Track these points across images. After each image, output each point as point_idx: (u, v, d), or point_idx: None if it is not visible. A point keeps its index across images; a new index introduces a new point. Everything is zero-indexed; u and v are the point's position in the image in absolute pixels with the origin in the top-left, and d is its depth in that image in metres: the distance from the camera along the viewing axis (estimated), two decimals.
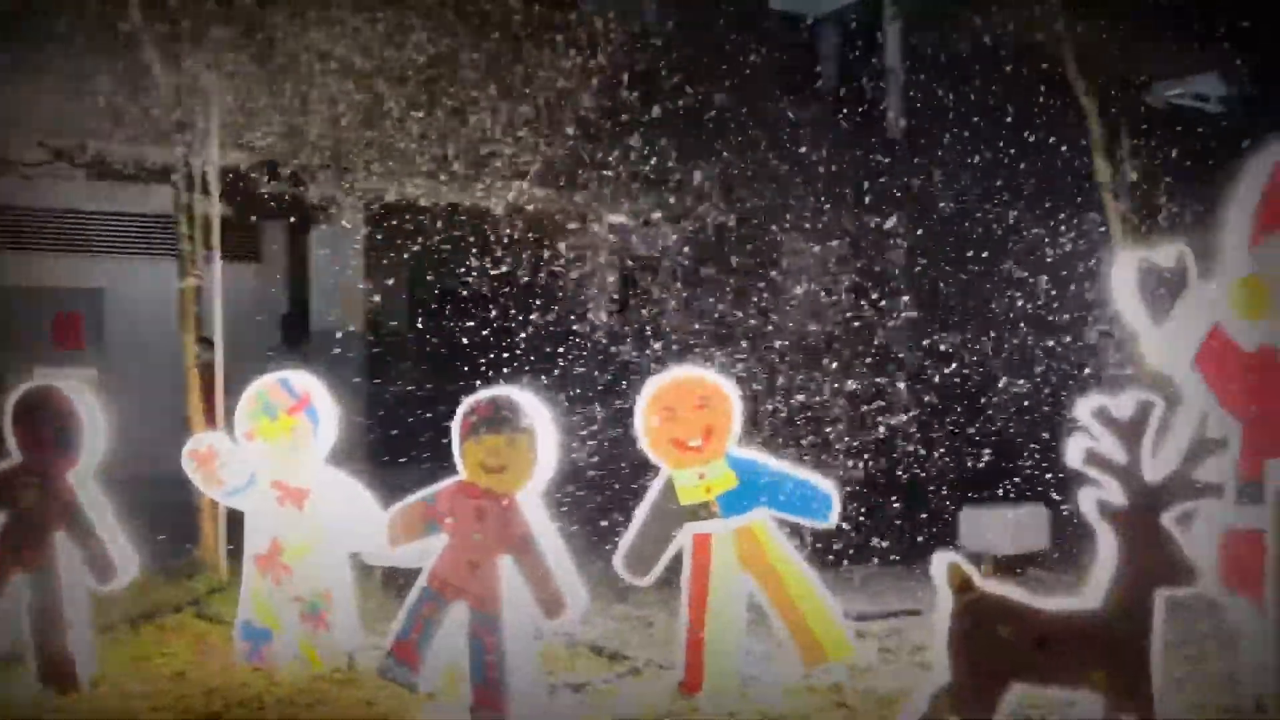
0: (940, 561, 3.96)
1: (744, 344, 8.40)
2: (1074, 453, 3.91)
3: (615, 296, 9.60)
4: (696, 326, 8.68)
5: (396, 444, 8.20)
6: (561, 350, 8.75)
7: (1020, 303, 8.65)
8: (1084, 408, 3.92)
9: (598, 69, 8.47)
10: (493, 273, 8.87)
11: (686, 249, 9.00)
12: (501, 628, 4.84)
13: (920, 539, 7.50)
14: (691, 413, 5.26)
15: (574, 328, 8.98)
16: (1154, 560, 3.87)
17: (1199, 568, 3.89)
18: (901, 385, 8.67)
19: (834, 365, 8.56)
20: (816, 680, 5.23)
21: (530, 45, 8.48)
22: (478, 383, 5.19)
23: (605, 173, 9.03)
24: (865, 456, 8.19)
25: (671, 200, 9.06)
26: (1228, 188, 4.91)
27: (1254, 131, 5.14)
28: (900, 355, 8.92)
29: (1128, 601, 3.87)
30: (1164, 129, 8.93)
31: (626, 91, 8.74)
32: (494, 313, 8.90)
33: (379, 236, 10.10)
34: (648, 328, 8.76)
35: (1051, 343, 8.32)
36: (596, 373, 7.87)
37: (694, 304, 8.89)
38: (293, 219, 10.52)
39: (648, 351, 8.22)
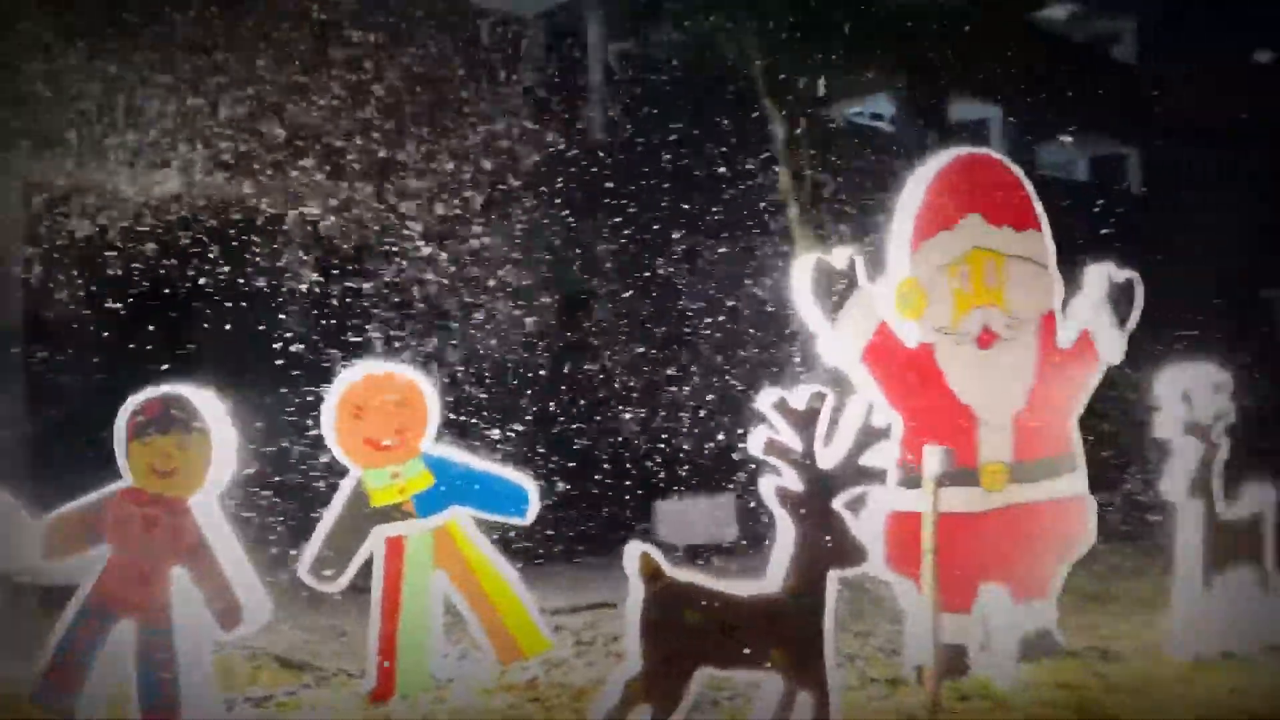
0: (632, 552, 4.01)
1: (441, 340, 8.25)
2: (756, 443, 4.08)
3: (304, 289, 9.16)
4: (393, 321, 8.44)
5: (53, 447, 7.43)
6: (243, 345, 8.25)
7: (710, 303, 9.02)
8: (764, 400, 4.09)
9: (282, 55, 8.06)
10: (167, 264, 8.23)
11: (386, 243, 8.74)
12: (174, 644, 4.47)
13: (618, 532, 7.64)
14: (385, 411, 5.08)
15: (259, 322, 8.50)
16: (827, 543, 4.10)
17: (867, 549, 4.17)
18: (598, 383, 8.82)
19: (533, 363, 8.58)
20: (512, 677, 5.19)
21: (202, 30, 7.94)
22: (147, 381, 4.75)
23: (300, 164, 8.61)
24: (563, 453, 8.25)
25: (369, 192, 8.76)
26: (894, 197, 5.33)
27: (921, 147, 5.60)
28: (598, 352, 9.07)
29: (803, 583, 4.08)
30: (842, 143, 9.59)
31: (310, 79, 8.36)
32: (167, 306, 8.26)
33: (45, 225, 9.13)
34: (340, 322, 8.43)
35: (740, 340, 8.72)
36: (281, 369, 7.46)
37: (391, 298, 8.64)
38: None
39: (336, 349, 7.89)
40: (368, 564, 5.07)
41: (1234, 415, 5.64)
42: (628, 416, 8.80)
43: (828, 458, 4.12)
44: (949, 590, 4.89)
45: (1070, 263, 5.67)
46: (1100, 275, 5.66)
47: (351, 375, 5.11)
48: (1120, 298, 5.66)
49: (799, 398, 4.09)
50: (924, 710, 4.72)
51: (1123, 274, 5.70)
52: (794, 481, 4.10)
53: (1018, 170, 5.47)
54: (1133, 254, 5.81)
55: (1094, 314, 5.59)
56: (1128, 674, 5.30)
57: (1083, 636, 5.90)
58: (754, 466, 4.22)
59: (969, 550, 5.10)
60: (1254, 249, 16.95)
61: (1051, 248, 5.48)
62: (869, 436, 4.19)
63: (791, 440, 4.09)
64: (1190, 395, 5.50)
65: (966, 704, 4.87)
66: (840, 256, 4.93)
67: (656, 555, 4.04)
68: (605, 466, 8.37)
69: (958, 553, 4.97)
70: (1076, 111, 17.47)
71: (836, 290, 4.90)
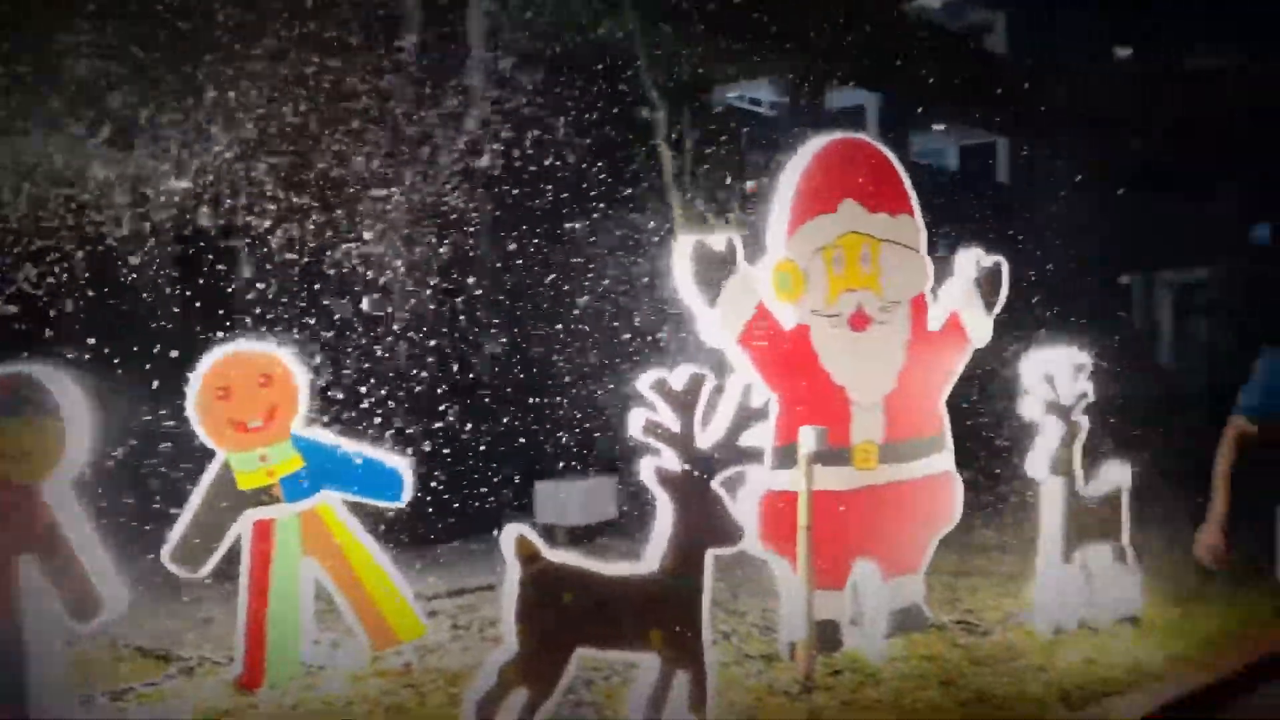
0: (509, 533, 3.96)
1: (312, 319, 8.03)
2: (635, 423, 4.07)
3: (168, 266, 8.79)
4: (262, 299, 8.17)
5: None
6: (104, 324, 7.87)
7: (591, 285, 8.98)
8: (644, 381, 4.08)
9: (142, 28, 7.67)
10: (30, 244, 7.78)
11: (253, 217, 8.43)
12: (24, 638, 4.23)
13: (497, 514, 7.57)
14: (252, 391, 4.91)
15: (120, 300, 8.12)
16: (705, 522, 4.12)
17: (744, 528, 4.20)
18: (476, 363, 8.71)
19: (408, 343, 8.41)
20: (386, 663, 5.10)
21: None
22: None
23: (162, 135, 8.23)
24: (439, 435, 8.13)
25: (239, 165, 8.44)
26: (772, 181, 5.37)
27: (798, 132, 5.65)
28: (475, 332, 8.95)
29: (682, 563, 4.09)
30: (721, 126, 9.64)
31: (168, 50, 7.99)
32: (25, 282, 7.82)
33: None
34: (206, 301, 8.11)
35: (620, 321, 8.71)
36: (144, 349, 7.13)
37: (259, 276, 8.36)
38: None
39: (202, 328, 7.60)
40: (235, 550, 4.91)
41: (1093, 396, 5.87)
42: (506, 397, 8.71)
43: (706, 438, 4.13)
44: (822, 567, 4.98)
45: (939, 248, 5.82)
46: (969, 260, 5.83)
47: (217, 355, 4.92)
48: (987, 282, 5.84)
49: (678, 379, 4.09)
50: (797, 685, 4.81)
51: (990, 259, 5.88)
52: (673, 462, 4.10)
53: (891, 155, 5.58)
54: (998, 241, 5.99)
55: (963, 298, 5.76)
56: (991, 646, 5.49)
57: (949, 610, 6.09)
58: (634, 447, 4.20)
59: (841, 528, 5.21)
60: (1114, 237, 17.73)
61: (923, 232, 5.61)
62: (747, 417, 4.21)
63: (670, 421, 4.09)
64: (1053, 377, 5.69)
65: (838, 678, 4.97)
66: (719, 239, 4.94)
67: (533, 537, 4.00)
68: (483, 448, 8.27)
69: (831, 530, 5.07)
70: (948, 101, 17.98)
71: (715, 272, 4.91)
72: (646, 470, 4.12)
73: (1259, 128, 14.50)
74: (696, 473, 4.11)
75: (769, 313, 5.09)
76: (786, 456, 4.87)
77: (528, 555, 3.96)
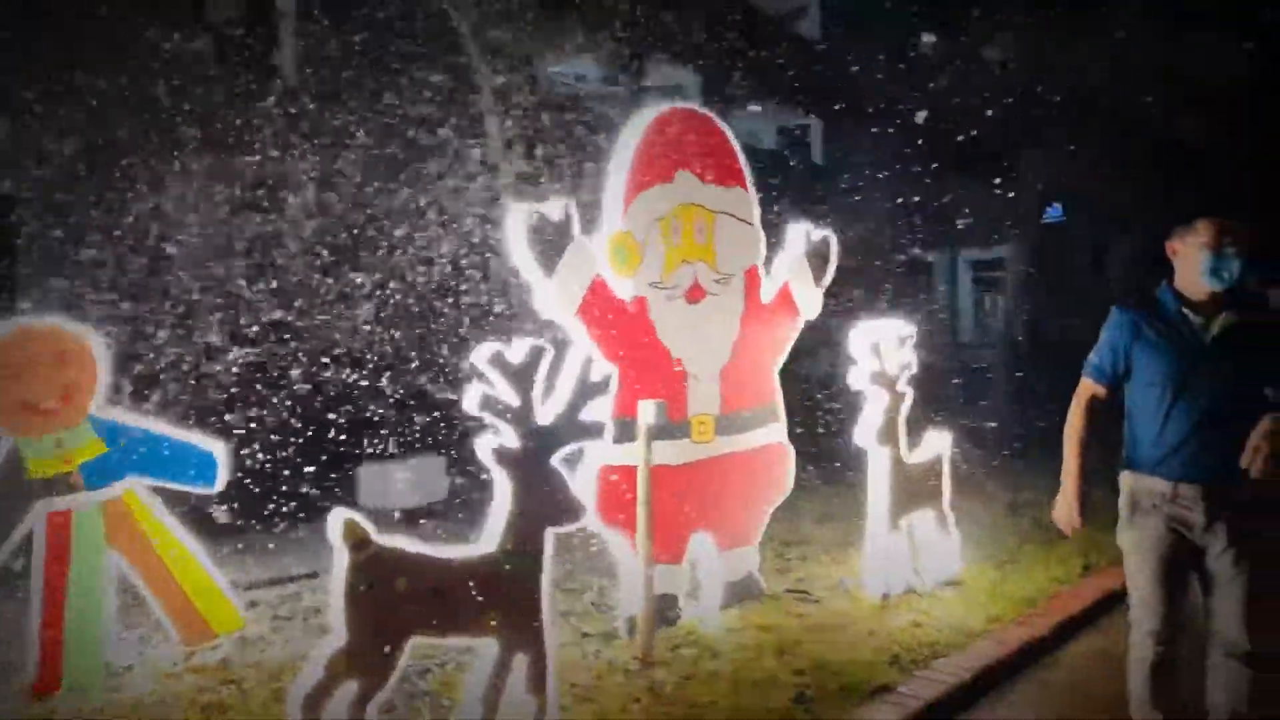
0: (336, 518, 3.73)
1: (115, 292, 7.44)
2: (471, 399, 3.89)
3: None
4: (59, 270, 7.51)
5: None
6: None
7: (420, 255, 8.66)
8: (480, 355, 3.91)
9: None
10: None
11: (52, 191, 7.75)
12: None
13: (321, 499, 7.22)
14: (45, 371, 4.47)
15: None
16: (545, 500, 3.99)
17: (585, 505, 4.09)
18: (298, 337, 8.27)
19: (224, 313, 7.91)
20: (202, 659, 4.76)
21: None
22: None
23: None
24: (257, 415, 7.69)
25: (34, 132, 7.72)
26: (608, 150, 5.25)
27: (623, 106, 5.54)
28: (298, 306, 8.51)
29: (521, 542, 3.95)
30: (550, 97, 9.45)
31: None
32: None
33: None
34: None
35: (453, 293, 8.43)
36: None
37: (55, 245, 7.68)
38: None
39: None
40: (28, 543, 4.48)
41: (916, 366, 6.04)
42: (330, 374, 8.31)
43: (545, 413, 4.00)
44: (661, 541, 4.94)
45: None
46: (799, 234, 5.89)
47: (3, 331, 4.46)
48: (817, 256, 5.92)
49: (516, 352, 3.94)
50: (636, 662, 4.75)
51: (820, 233, 5.96)
52: (511, 439, 3.95)
53: (726, 129, 5.56)
54: (814, 220, 6.05)
55: (794, 271, 5.81)
56: (824, 613, 5.58)
57: (782, 580, 6.18)
58: (468, 425, 4.03)
59: (680, 501, 5.19)
60: (919, 217, 18.48)
61: (756, 205, 5.62)
62: (587, 391, 4.10)
63: (509, 396, 3.94)
64: (879, 348, 5.82)
65: (677, 653, 4.95)
66: (555, 208, 4.79)
67: (362, 521, 3.78)
68: (306, 429, 7.88)
69: (669, 504, 5.04)
70: (765, 82, 18.29)
71: (552, 242, 4.77)
72: (484, 448, 3.96)
73: (1052, 112, 15.34)
74: (535, 450, 3.97)
75: (605, 284, 4.99)
76: (625, 430, 4.79)
77: (357, 540, 3.73)
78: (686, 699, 4.43)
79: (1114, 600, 6.17)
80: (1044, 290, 16.00)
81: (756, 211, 5.61)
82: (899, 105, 18.53)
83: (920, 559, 6.00)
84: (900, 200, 18.13)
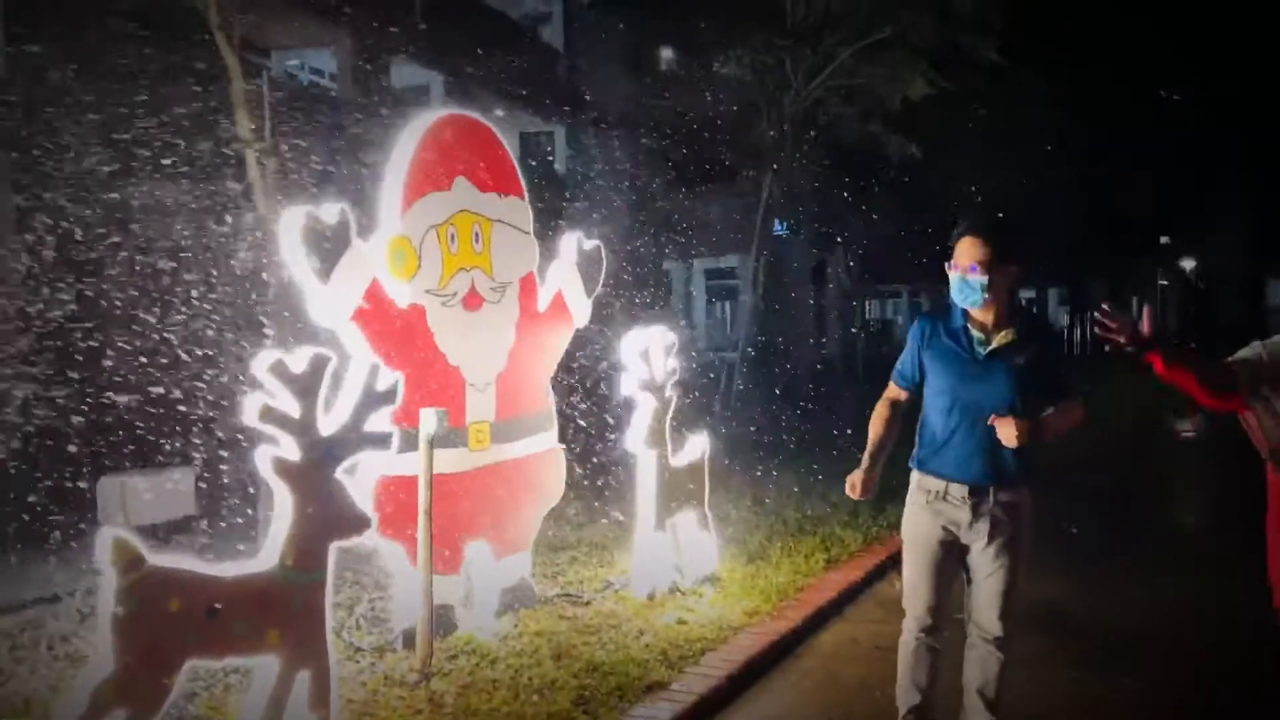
0: (105, 537, 3.48)
1: None
2: (250, 409, 3.73)
3: None
4: None
5: None
6: None
7: (184, 260, 8.10)
8: (261, 363, 3.76)
9: None
10: None
11: None
12: None
13: (63, 517, 6.61)
14: None
15: None
16: (327, 513, 3.89)
17: (367, 516, 4.01)
18: (44, 345, 7.55)
19: None
20: None
21: None
22: None
23: None
24: None
25: None
26: (385, 154, 5.15)
27: (369, 106, 5.42)
28: (41, 308, 7.77)
29: (303, 557, 3.83)
30: (299, 97, 9.09)
31: None
32: None
33: None
34: None
35: (223, 299, 7.94)
36: None
37: None
38: None
39: None
40: None
41: (680, 372, 6.28)
42: (78, 386, 7.62)
43: (328, 424, 3.90)
44: (440, 551, 4.91)
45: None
46: (571, 243, 6.00)
47: None
48: (587, 265, 6.05)
49: (298, 361, 3.81)
50: (414, 674, 4.70)
51: (590, 243, 6.10)
52: (292, 450, 3.82)
53: (502, 137, 5.59)
54: (557, 228, 6.18)
55: (566, 279, 5.92)
56: (595, 615, 5.71)
57: (552, 584, 6.26)
58: (221, 436, 3.86)
59: (458, 510, 5.17)
60: (656, 228, 19.12)
61: (530, 214, 5.68)
62: (372, 401, 4.03)
63: (290, 406, 3.81)
64: (647, 355, 6.01)
65: (455, 662, 4.93)
66: (331, 211, 4.65)
67: (134, 540, 3.54)
68: (48, 441, 7.20)
69: (448, 513, 5.01)
70: (506, 87, 18.34)
71: (327, 247, 4.62)
72: (263, 460, 3.81)
73: (782, 130, 16.28)
74: (318, 461, 3.86)
75: (383, 290, 4.89)
76: (405, 440, 4.72)
77: (129, 561, 3.50)
78: (468, 708, 4.42)
79: (856, 591, 6.70)
80: (769, 299, 16.96)
81: (531, 220, 5.67)
82: (634, 119, 19.06)
83: (683, 557, 6.25)
84: (638, 211, 18.68)
